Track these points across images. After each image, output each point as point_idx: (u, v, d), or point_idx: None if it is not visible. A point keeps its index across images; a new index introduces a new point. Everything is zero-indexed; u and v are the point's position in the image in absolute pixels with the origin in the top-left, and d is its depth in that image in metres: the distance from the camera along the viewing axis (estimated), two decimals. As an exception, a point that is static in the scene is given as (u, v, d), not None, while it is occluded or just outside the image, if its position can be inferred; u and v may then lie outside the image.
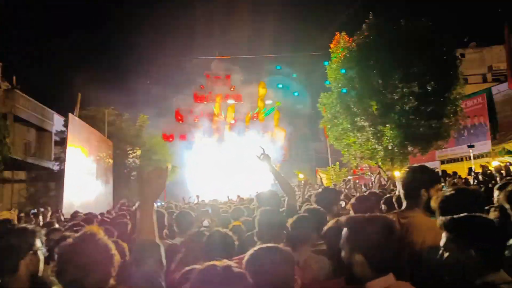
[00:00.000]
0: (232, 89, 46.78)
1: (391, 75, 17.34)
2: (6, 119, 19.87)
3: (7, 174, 20.37)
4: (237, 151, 33.80)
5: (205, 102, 46.81)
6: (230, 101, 43.17)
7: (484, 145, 25.46)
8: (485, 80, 34.15)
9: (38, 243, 2.27)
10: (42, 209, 11.24)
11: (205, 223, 6.25)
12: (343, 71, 18.67)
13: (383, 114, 17.50)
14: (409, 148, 17.76)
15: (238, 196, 20.96)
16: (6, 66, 25.44)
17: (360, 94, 17.97)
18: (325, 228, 2.87)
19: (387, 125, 17.12)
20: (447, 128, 17.69)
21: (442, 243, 1.98)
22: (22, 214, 9.80)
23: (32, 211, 10.96)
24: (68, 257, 1.94)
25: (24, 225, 2.36)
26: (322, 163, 37.21)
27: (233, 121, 41.77)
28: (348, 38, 19.15)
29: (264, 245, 2.16)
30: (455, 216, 1.96)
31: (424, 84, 16.94)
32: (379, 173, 15.98)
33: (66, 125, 25.52)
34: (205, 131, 41.77)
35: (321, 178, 30.85)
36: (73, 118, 16.20)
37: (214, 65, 47.34)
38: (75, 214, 9.69)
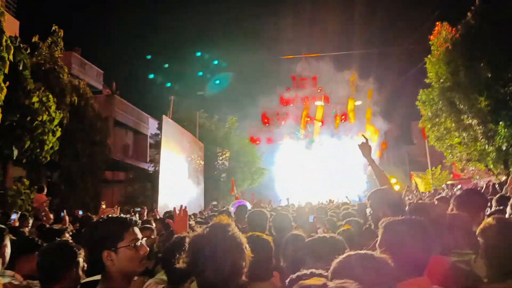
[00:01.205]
0: (319, 90, 45.92)
1: (503, 67, 15.49)
2: (107, 123, 20.96)
3: (108, 175, 21.47)
4: (326, 154, 32.93)
5: (292, 104, 46.44)
6: (318, 103, 42.30)
7: None
8: None
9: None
10: (139, 209, 11.43)
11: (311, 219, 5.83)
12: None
13: (495, 110, 15.68)
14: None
15: (330, 200, 20.25)
16: (107, 74, 27.08)
17: (466, 89, 16.29)
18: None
19: (500, 122, 15.27)
20: None
21: None
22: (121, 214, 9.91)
23: (137, 209, 11.23)
24: (201, 247, 1.93)
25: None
26: (416, 167, 34.99)
27: (320, 123, 40.83)
28: (450, 29, 17.50)
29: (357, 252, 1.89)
30: None
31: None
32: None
33: (160, 127, 26.55)
34: (293, 134, 41.35)
35: (416, 183, 28.95)
36: (166, 120, 16.52)
37: (299, 66, 46.85)
38: (169, 213, 9.65)
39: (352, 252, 1.87)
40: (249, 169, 27.85)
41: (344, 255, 1.86)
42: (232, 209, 9.64)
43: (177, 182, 17.70)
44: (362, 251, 1.89)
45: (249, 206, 13.03)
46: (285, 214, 5.28)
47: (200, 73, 34.39)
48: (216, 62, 35.86)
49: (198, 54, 35.85)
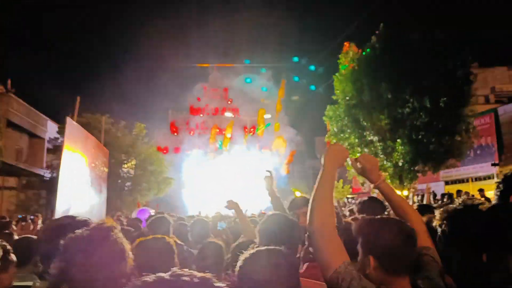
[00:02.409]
0: (229, 102, 46.26)
1: (401, 88, 16.77)
2: (-1, 123, 19.06)
3: (-3, 180, 19.49)
4: (234, 167, 33.03)
5: (201, 115, 46.21)
6: (228, 114, 42.54)
7: (491, 166, 25.00)
8: (487, 101, 33.75)
9: None
10: (32, 216, 10.51)
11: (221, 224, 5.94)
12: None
13: (393, 129, 16.88)
14: (420, 166, 17.05)
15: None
16: (0, 69, 24.74)
17: (369, 108, 17.34)
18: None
19: (398, 140, 16.44)
20: (459, 146, 17.05)
21: None
22: (14, 222, 9.11)
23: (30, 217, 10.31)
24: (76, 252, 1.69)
25: None
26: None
27: (229, 135, 41.02)
28: (357, 49, 18.59)
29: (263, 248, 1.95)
30: None
31: (436, 99, 16.34)
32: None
33: (61, 130, 24.75)
34: (201, 145, 41.01)
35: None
36: (71, 122, 15.27)
37: (211, 77, 46.91)
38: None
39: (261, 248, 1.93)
40: (155, 178, 26.93)
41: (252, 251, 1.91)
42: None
43: (78, 189, 16.48)
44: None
45: (152, 213, 12.54)
46: (205, 221, 5.34)
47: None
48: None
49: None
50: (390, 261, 1.91)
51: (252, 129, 41.30)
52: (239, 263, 1.86)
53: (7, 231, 6.57)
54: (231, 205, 4.51)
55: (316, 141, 47.62)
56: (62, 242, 1.77)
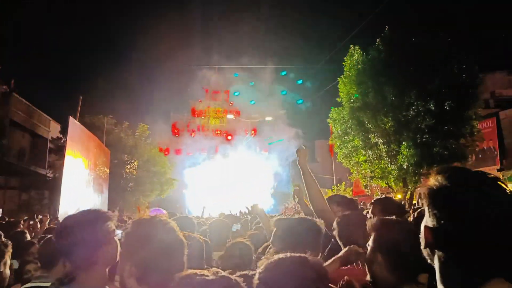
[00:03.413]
0: (231, 104, 46.27)
1: (406, 91, 16.75)
2: (2, 123, 18.96)
3: (0, 180, 19.36)
4: (236, 168, 33.02)
5: (203, 117, 46.25)
6: (230, 116, 42.53)
7: (493, 170, 24.95)
8: (487, 106, 33.66)
9: None
10: (40, 216, 10.45)
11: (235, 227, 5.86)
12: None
13: (398, 131, 16.84)
14: (425, 169, 16.97)
15: (241, 212, 20.21)
16: (4, 69, 24.66)
17: (374, 110, 17.31)
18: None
19: (403, 143, 16.39)
20: (464, 149, 17.00)
21: None
22: (22, 221, 9.05)
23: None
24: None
25: None
26: (319, 184, 36.42)
27: (230, 137, 41.01)
28: (362, 52, 18.57)
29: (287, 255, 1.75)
30: None
31: (441, 102, 16.31)
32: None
33: (64, 130, 24.66)
34: (202, 147, 41.02)
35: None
36: (73, 122, 15.30)
37: (213, 79, 46.92)
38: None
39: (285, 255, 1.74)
40: (158, 179, 26.88)
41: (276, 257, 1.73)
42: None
43: (80, 190, 16.46)
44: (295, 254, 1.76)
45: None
46: (224, 221, 5.25)
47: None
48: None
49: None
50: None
51: (253, 131, 41.23)
52: (260, 270, 1.71)
53: (19, 230, 6.53)
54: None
55: (316, 144, 47.57)
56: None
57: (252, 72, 40.94)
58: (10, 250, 2.63)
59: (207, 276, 1.52)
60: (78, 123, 16.85)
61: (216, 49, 42.80)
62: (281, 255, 1.73)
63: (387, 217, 2.22)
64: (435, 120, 16.32)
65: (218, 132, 44.00)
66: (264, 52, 39.43)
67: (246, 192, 30.02)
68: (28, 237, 5.21)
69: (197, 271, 1.57)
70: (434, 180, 1.29)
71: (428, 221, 1.29)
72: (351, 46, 18.91)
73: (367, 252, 2.04)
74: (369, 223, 2.18)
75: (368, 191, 21.36)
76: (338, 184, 26.15)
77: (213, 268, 1.66)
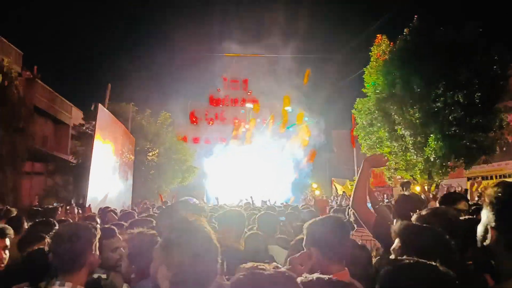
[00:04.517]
0: (249, 93, 46.15)
1: (435, 82, 16.46)
2: (27, 109, 19.17)
3: (27, 166, 19.60)
4: (255, 157, 32.96)
5: (221, 105, 46.24)
6: (249, 105, 42.45)
7: (518, 163, 24.58)
8: (512, 98, 33.04)
9: None
10: (81, 201, 10.51)
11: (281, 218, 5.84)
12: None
13: (425, 123, 16.60)
14: (453, 162, 16.75)
15: (262, 201, 20.20)
16: (27, 55, 24.86)
17: (401, 101, 17.08)
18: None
19: (431, 135, 16.16)
20: (492, 141, 16.71)
21: None
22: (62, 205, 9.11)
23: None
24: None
25: None
26: (335, 174, 36.38)
27: (248, 126, 40.98)
28: (389, 42, 18.28)
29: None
30: None
31: (470, 94, 16.00)
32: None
33: (86, 116, 24.87)
34: (220, 135, 41.10)
35: (336, 189, 30.13)
36: (102, 109, 15.38)
37: (232, 68, 46.78)
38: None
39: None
40: (179, 167, 27.02)
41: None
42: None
43: (107, 176, 16.61)
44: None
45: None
46: (272, 214, 5.19)
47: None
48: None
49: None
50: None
51: (271, 121, 41.11)
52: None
53: (63, 218, 6.54)
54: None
55: (333, 135, 47.22)
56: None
57: (272, 60, 40.64)
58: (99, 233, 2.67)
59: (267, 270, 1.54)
60: (107, 110, 16.95)
61: (236, 37, 42.37)
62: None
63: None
64: (463, 112, 16.05)
65: (237, 121, 43.98)
66: (285, 40, 38.86)
67: (265, 181, 30.02)
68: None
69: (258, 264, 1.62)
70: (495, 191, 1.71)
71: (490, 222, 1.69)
72: (377, 35, 18.64)
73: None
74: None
75: (392, 183, 21.17)
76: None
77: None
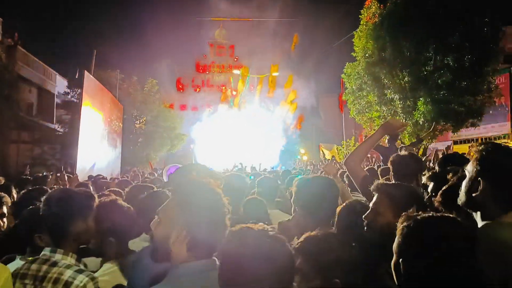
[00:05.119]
0: (235, 59, 45.61)
1: (424, 46, 16.31)
2: (10, 76, 18.67)
3: (14, 134, 19.26)
4: (243, 123, 32.86)
5: (207, 72, 45.70)
6: (236, 71, 41.99)
7: (503, 126, 24.90)
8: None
9: None
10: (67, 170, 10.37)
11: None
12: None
13: (415, 87, 16.56)
14: (441, 125, 16.82)
15: (251, 167, 20.26)
16: (6, 22, 24.03)
17: (391, 65, 16.96)
18: None
19: (421, 98, 16.15)
20: (481, 105, 16.77)
21: None
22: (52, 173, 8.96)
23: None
24: None
25: None
26: (323, 139, 36.52)
27: (235, 93, 40.61)
28: (380, 4, 17.95)
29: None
30: None
31: (461, 57, 15.90)
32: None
33: (71, 84, 24.37)
34: (208, 102, 40.75)
35: (324, 154, 30.29)
36: (88, 76, 15.04)
37: (217, 34, 46.00)
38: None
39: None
40: (168, 134, 26.84)
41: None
42: (165, 177, 8.47)
43: (96, 145, 16.43)
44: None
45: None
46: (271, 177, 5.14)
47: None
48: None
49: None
50: None
51: (259, 86, 40.81)
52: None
53: (55, 186, 6.45)
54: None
55: (320, 100, 47.10)
56: None
57: (260, 25, 40.02)
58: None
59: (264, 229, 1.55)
60: (93, 77, 16.59)
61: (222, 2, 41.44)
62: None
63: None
64: (453, 75, 16.00)
65: (223, 87, 43.59)
66: (273, 3, 38.15)
67: (254, 147, 30.07)
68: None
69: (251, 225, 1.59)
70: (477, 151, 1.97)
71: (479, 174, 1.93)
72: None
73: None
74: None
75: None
76: (348, 140, 26.00)
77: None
